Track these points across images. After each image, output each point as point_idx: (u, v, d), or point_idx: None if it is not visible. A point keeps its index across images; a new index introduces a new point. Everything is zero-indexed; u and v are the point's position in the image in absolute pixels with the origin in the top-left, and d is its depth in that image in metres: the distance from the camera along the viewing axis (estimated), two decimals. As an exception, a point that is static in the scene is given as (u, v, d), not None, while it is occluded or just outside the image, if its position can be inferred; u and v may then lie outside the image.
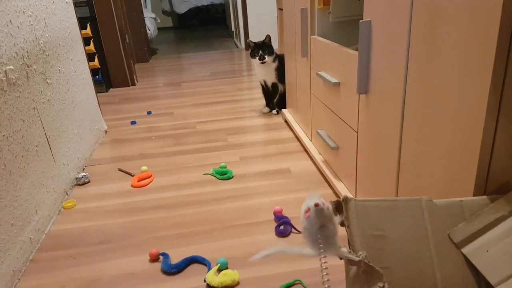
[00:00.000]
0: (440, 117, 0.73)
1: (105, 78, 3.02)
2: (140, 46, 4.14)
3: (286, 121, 2.10)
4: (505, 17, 0.55)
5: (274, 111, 2.27)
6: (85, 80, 1.88)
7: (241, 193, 1.42)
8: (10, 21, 1.20)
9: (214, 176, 1.55)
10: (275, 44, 3.73)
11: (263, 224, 1.23)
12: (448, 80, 0.69)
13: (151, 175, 1.57)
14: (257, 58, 2.10)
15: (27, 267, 1.11)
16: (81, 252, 1.15)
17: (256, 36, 4.08)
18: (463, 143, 0.67)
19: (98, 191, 1.49)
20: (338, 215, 0.66)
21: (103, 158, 1.79)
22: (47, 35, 1.47)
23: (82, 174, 1.54)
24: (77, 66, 1.78)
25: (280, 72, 2.15)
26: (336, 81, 1.24)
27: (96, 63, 2.88)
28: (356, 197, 1.23)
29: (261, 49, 2.09)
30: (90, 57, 2.82)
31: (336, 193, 1.35)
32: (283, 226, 1.19)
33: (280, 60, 2.14)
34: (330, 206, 0.60)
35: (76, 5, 2.73)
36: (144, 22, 4.22)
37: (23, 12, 1.30)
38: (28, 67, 1.28)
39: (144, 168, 1.61)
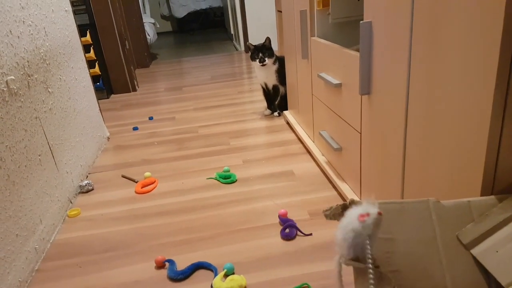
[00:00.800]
0: (445, 117, 0.72)
1: (106, 85, 3.02)
2: (140, 51, 4.14)
3: (288, 123, 2.09)
4: (508, 15, 0.55)
5: (276, 113, 2.27)
6: (86, 87, 1.88)
7: (245, 196, 1.42)
8: (10, 31, 1.21)
9: (218, 180, 1.54)
10: (274, 46, 3.72)
11: (268, 227, 1.23)
12: (451, 79, 0.69)
13: (155, 181, 1.56)
14: (258, 60, 2.10)
15: (33, 277, 1.10)
16: (86, 260, 1.15)
17: (256, 39, 4.08)
18: (469, 142, 0.66)
19: (102, 199, 1.49)
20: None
21: (106, 165, 1.79)
22: (47, 44, 1.48)
23: (86, 181, 1.54)
24: (78, 74, 1.78)
25: (281, 74, 2.14)
26: (338, 82, 1.24)
27: (96, 70, 2.89)
28: (361, 198, 1.22)
29: (261, 51, 2.09)
30: (90, 64, 2.83)
31: (340, 195, 1.35)
32: (289, 229, 1.19)
33: (281, 62, 2.13)
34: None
35: (76, 12, 2.74)
36: (144, 28, 4.23)
37: (23, 22, 1.30)
38: (29, 76, 1.28)
39: (147, 174, 1.60)
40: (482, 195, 0.66)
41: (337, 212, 0.67)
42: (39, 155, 1.27)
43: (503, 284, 0.57)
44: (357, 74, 1.07)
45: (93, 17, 2.84)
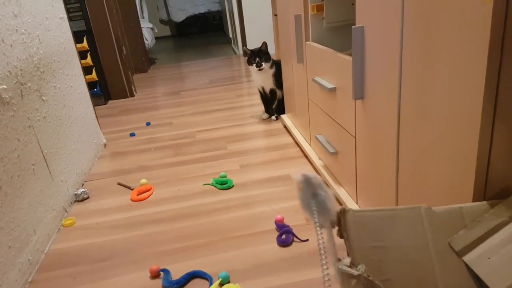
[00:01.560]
0: (436, 122, 0.71)
1: (103, 91, 3.02)
2: (138, 56, 4.14)
3: (285, 127, 2.09)
4: (496, 19, 0.54)
5: (273, 117, 2.26)
6: (82, 94, 1.88)
7: (241, 202, 1.41)
8: (3, 40, 1.20)
9: (214, 186, 1.53)
10: (272, 50, 3.72)
11: (264, 234, 1.22)
12: (442, 84, 0.68)
13: (151, 188, 1.56)
14: (254, 65, 2.09)
15: (27, 288, 1.10)
16: (81, 270, 1.14)
17: (254, 42, 4.08)
18: (460, 147, 0.65)
19: (98, 207, 1.48)
20: (336, 228, 0.65)
21: (103, 172, 1.78)
22: (41, 52, 1.47)
23: (81, 190, 1.53)
24: (73, 81, 1.78)
25: (278, 78, 2.14)
26: (332, 86, 1.23)
27: (94, 76, 2.89)
28: (357, 202, 1.21)
29: (258, 56, 2.09)
30: (87, 70, 2.83)
31: (337, 199, 1.34)
32: (285, 236, 1.18)
33: (277, 66, 2.13)
34: (319, 177, 0.63)
35: (72, 19, 2.74)
36: (142, 33, 4.23)
37: (16, 30, 1.30)
38: (22, 85, 1.28)
39: (143, 181, 1.60)
40: (474, 200, 0.65)
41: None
42: (32, 165, 1.26)
43: (495, 292, 0.56)
44: (351, 78, 1.06)
45: (89, 23, 2.84)
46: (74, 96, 1.76)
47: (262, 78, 2.17)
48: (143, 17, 5.37)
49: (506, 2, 0.53)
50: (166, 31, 7.62)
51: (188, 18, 7.00)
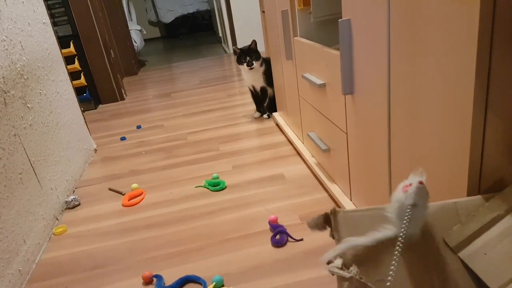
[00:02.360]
0: (427, 115, 0.69)
1: (93, 95, 2.98)
2: (128, 59, 4.11)
3: (277, 125, 2.07)
4: (484, 9, 0.52)
5: (265, 115, 2.24)
6: (69, 100, 1.85)
7: (235, 203, 1.39)
8: (-17, 48, 1.17)
9: (207, 188, 1.51)
10: (261, 47, 3.70)
11: (258, 235, 1.20)
12: (432, 77, 0.66)
13: (142, 192, 1.53)
14: (245, 64, 2.07)
15: (18, 300, 1.07)
16: (73, 279, 1.12)
17: (244, 40, 4.05)
18: (453, 141, 0.64)
19: (89, 214, 1.46)
20: (328, 228, 0.63)
21: (94, 178, 1.75)
22: (24, 59, 1.44)
23: (72, 197, 1.51)
24: (59, 87, 1.75)
25: (268, 75, 2.12)
26: (322, 82, 1.21)
27: (82, 80, 2.85)
28: (351, 199, 1.20)
29: (248, 55, 2.06)
30: (76, 75, 2.79)
31: (331, 196, 1.32)
32: (279, 236, 1.16)
33: (267, 63, 2.11)
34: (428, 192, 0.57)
35: (57, 23, 2.71)
36: (130, 35, 4.19)
37: (-3, 37, 1.27)
38: (5, 93, 1.25)
39: (134, 185, 1.57)
40: (468, 194, 0.63)
41: (319, 222, 0.64)
42: (20, 174, 1.23)
43: (493, 288, 0.54)
44: (339, 73, 1.04)
45: (76, 27, 2.80)
46: (61, 102, 1.73)
47: (252, 76, 2.15)
48: (131, 19, 5.33)
49: (493, -11, 0.52)
50: (156, 32, 7.57)
51: (177, 19, 6.95)
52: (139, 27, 5.20)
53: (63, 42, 2.58)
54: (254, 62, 2.07)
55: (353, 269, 0.54)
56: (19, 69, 1.38)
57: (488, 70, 0.55)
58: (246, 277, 1.03)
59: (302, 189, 1.42)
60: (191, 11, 6.95)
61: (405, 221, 0.54)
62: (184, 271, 1.08)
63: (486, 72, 0.55)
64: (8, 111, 1.25)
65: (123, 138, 2.20)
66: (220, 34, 5.38)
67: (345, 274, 0.54)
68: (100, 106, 3.08)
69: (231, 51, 4.56)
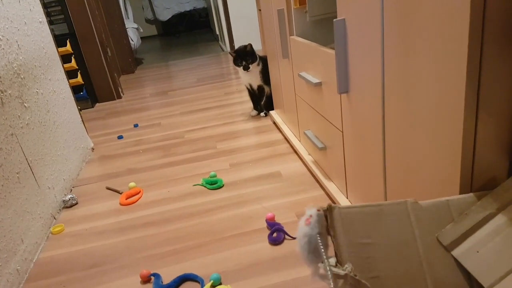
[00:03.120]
0: (420, 114, 0.70)
1: (90, 94, 2.98)
2: (124, 57, 4.10)
3: (274, 123, 2.07)
4: (474, 7, 0.53)
5: (262, 114, 2.25)
6: (66, 99, 1.85)
7: (232, 201, 1.39)
8: (-21, 47, 1.17)
9: (204, 186, 1.52)
10: (258, 45, 3.70)
11: (255, 232, 1.21)
12: (424, 76, 0.67)
13: (140, 191, 1.54)
14: (242, 68, 2.08)
15: (16, 299, 1.08)
16: (71, 278, 1.12)
17: (241, 39, 4.05)
18: (445, 139, 0.65)
19: (87, 212, 1.46)
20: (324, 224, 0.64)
21: (91, 177, 1.76)
22: (21, 58, 1.44)
23: (69, 196, 1.51)
24: (56, 86, 1.75)
25: (265, 74, 2.12)
26: (318, 81, 1.22)
27: (79, 79, 2.85)
28: (347, 196, 1.21)
29: (244, 59, 2.07)
30: (72, 73, 2.79)
31: (328, 194, 1.33)
32: (276, 234, 1.17)
33: (264, 62, 2.11)
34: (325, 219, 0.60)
35: (54, 22, 2.70)
36: (127, 33, 4.18)
37: (-7, 37, 1.27)
38: (2, 92, 1.25)
39: (132, 184, 1.58)
40: (461, 192, 0.64)
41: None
42: (17, 173, 1.24)
43: (484, 285, 0.55)
44: (335, 72, 1.05)
45: (72, 26, 2.80)
46: (58, 101, 1.73)
47: (249, 76, 2.16)
48: (128, 18, 5.31)
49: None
50: (153, 30, 7.55)
51: (174, 17, 6.94)
52: (135, 25, 5.19)
53: (59, 41, 2.57)
54: (250, 66, 2.08)
55: (348, 266, 0.55)
56: (15, 68, 1.38)
57: (479, 69, 0.56)
58: (243, 275, 1.04)
59: (299, 187, 1.43)
60: (188, 9, 6.94)
61: (322, 249, 0.56)
62: (182, 269, 1.08)
63: (477, 71, 0.56)
64: (5, 111, 1.25)
65: (120, 137, 2.21)
66: (217, 32, 5.38)
67: (340, 271, 0.55)
68: (97, 104, 3.08)
69: (228, 49, 4.55)
